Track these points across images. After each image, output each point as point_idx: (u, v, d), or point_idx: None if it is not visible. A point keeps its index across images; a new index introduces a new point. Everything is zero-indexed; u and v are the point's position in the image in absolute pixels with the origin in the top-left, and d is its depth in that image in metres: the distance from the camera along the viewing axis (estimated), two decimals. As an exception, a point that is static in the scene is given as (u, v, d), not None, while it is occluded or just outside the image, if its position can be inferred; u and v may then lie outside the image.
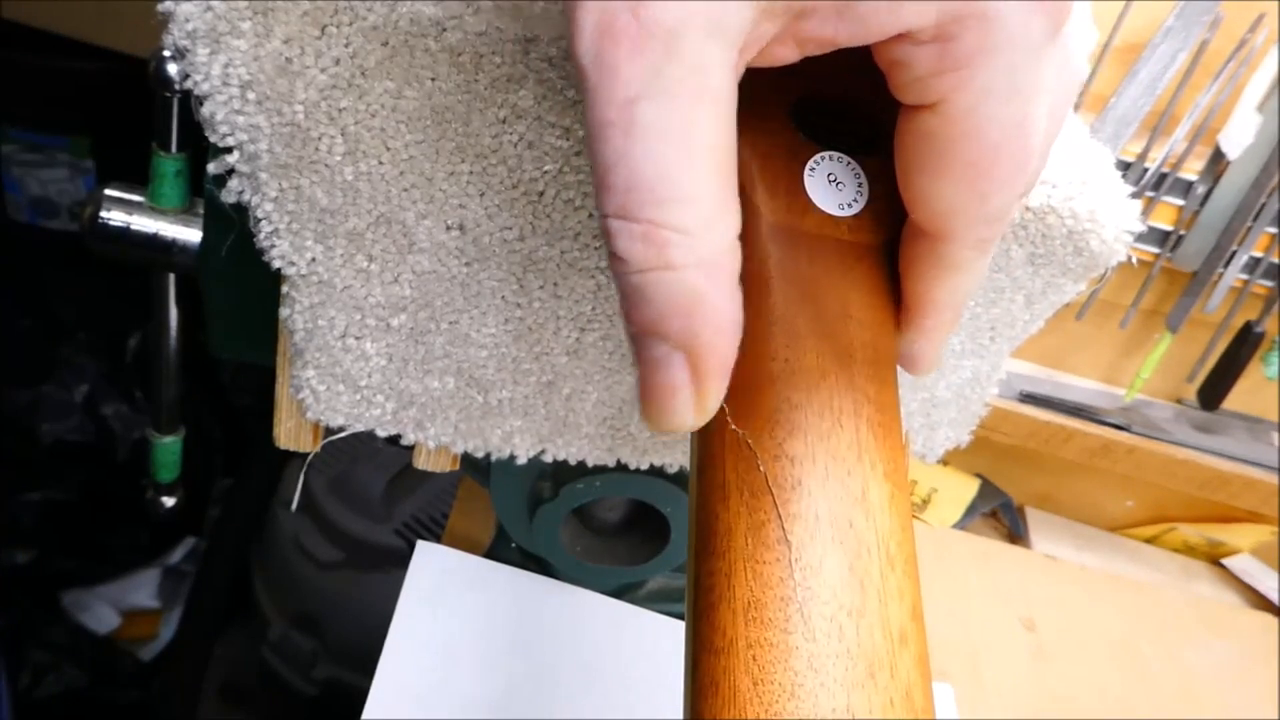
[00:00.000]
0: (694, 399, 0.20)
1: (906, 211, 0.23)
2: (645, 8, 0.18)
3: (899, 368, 0.25)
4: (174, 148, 0.32)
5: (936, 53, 0.19)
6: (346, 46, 0.25)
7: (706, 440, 0.22)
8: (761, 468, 0.21)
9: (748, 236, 0.21)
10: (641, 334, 0.20)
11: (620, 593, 0.52)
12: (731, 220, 0.20)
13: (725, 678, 0.19)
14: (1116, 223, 0.29)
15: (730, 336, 0.20)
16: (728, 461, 0.21)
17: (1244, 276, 0.69)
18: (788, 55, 0.20)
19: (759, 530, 0.20)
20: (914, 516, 0.74)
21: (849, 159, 0.24)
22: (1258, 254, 0.69)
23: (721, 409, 0.21)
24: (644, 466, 0.36)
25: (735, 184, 0.20)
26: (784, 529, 0.20)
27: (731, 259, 0.20)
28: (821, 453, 0.21)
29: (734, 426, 0.21)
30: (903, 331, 0.24)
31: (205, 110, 0.26)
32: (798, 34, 0.20)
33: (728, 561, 0.20)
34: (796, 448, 0.21)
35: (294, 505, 0.91)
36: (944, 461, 0.36)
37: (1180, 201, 0.68)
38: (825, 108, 0.24)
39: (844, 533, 0.20)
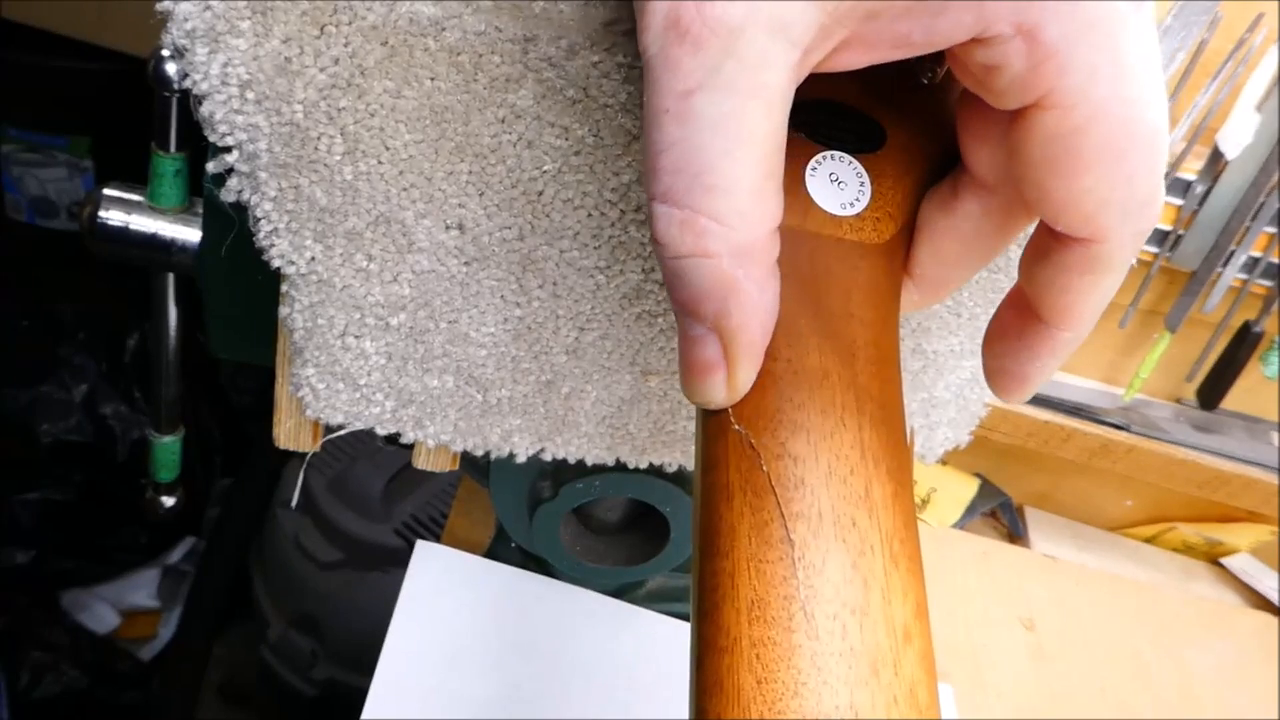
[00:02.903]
0: (725, 378, 0.21)
1: (1032, 213, 0.21)
2: (710, 6, 0.19)
3: (992, 389, 0.25)
4: (173, 147, 0.32)
5: (1025, 46, 0.19)
6: (345, 46, 0.25)
7: (710, 440, 0.22)
8: (764, 467, 0.21)
9: None
10: (681, 312, 0.21)
11: (620, 593, 0.52)
12: (771, 211, 0.20)
13: (729, 676, 0.19)
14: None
15: (761, 322, 0.21)
16: (731, 461, 0.21)
17: (1243, 276, 0.69)
18: (857, 60, 0.21)
19: (762, 529, 0.20)
20: (913, 516, 0.74)
21: (850, 158, 0.24)
22: (1256, 253, 0.69)
23: (725, 409, 0.22)
24: (643, 465, 0.36)
25: (779, 178, 0.20)
26: (787, 528, 0.20)
27: (767, 249, 0.21)
28: (824, 452, 0.21)
29: (737, 426, 0.21)
30: (1027, 351, 0.23)
31: (204, 109, 0.26)
32: (866, 37, 0.20)
33: (731, 561, 0.20)
34: (799, 447, 0.21)
35: (294, 505, 0.91)
36: (943, 461, 0.36)
37: (1179, 201, 0.68)
38: (825, 107, 0.24)
39: (847, 531, 0.20)
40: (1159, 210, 0.21)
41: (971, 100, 0.23)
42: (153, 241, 0.33)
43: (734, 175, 0.19)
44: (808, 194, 0.23)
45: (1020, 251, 0.30)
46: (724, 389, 0.21)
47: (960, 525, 0.77)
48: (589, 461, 0.35)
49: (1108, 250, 0.21)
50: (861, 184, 0.23)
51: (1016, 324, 0.24)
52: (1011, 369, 0.24)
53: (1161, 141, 0.20)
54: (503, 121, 0.26)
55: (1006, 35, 0.19)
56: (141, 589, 1.14)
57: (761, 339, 0.21)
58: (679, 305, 0.21)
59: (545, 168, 0.27)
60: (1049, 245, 0.22)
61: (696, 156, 0.19)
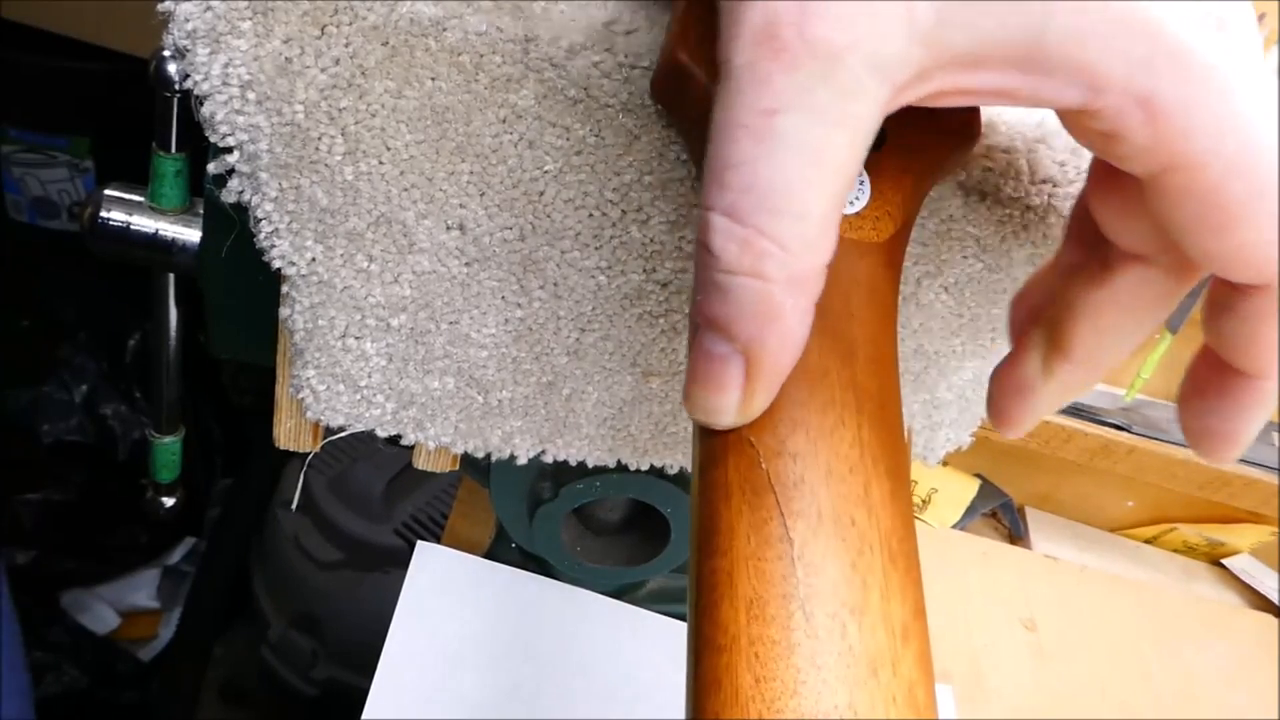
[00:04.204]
0: (740, 401, 0.21)
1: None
2: (812, 26, 0.18)
3: (1199, 452, 0.24)
4: (174, 148, 0.32)
5: (1143, 114, 0.18)
6: (346, 46, 0.25)
7: (708, 438, 0.22)
8: (763, 465, 0.21)
9: None
10: (708, 326, 0.20)
11: (620, 593, 0.52)
12: (830, 246, 0.20)
13: (728, 675, 0.19)
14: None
15: (791, 355, 0.20)
16: (730, 459, 0.21)
17: (1244, 276, 0.69)
18: (953, 102, 0.20)
19: (761, 528, 0.20)
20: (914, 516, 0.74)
21: None
22: (1258, 254, 0.69)
23: None
24: (644, 467, 0.36)
25: (843, 209, 0.20)
26: (786, 526, 0.20)
27: (817, 283, 0.20)
28: (823, 450, 0.21)
29: None
30: (1232, 406, 0.23)
31: (205, 110, 0.26)
32: (966, 86, 0.19)
33: (730, 559, 0.20)
34: (798, 445, 0.21)
35: (294, 505, 0.91)
36: (944, 462, 0.36)
37: (1180, 201, 0.68)
38: None
39: (846, 530, 0.20)
40: None
41: (1100, 177, 0.22)
42: (153, 242, 0.33)
43: (808, 203, 0.19)
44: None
45: (1022, 251, 0.30)
46: (734, 413, 0.21)
47: (961, 526, 0.77)
48: (590, 463, 0.35)
49: None
50: (861, 183, 0.23)
51: (1215, 381, 0.23)
52: (1217, 427, 0.24)
53: None
54: (504, 121, 0.26)
55: (1120, 105, 0.19)
56: (141, 589, 1.14)
57: (786, 372, 0.21)
58: (709, 319, 0.20)
59: (546, 168, 0.27)
60: (1228, 297, 0.21)
61: (771, 178, 0.19)
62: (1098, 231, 0.23)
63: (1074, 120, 0.20)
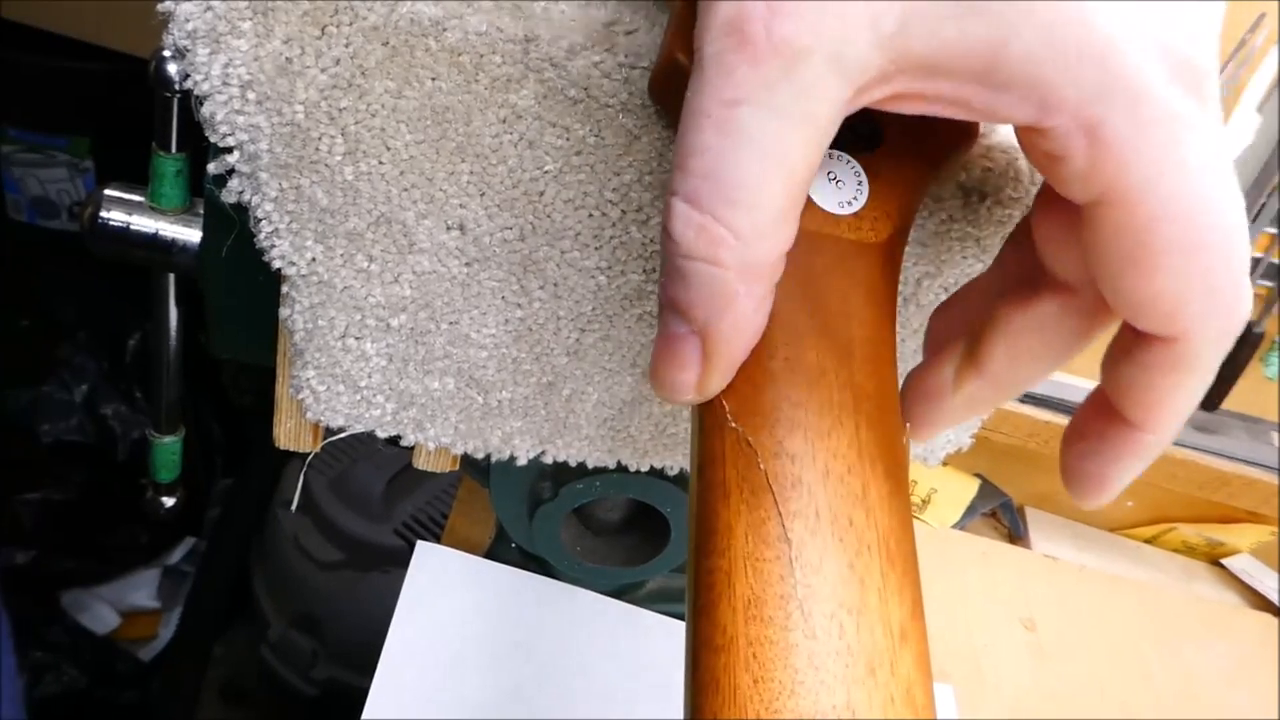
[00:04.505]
0: (697, 380, 0.21)
1: (1110, 304, 0.21)
2: (779, 24, 0.18)
3: (1070, 491, 0.24)
4: (174, 148, 0.32)
5: (1086, 140, 0.19)
6: (347, 46, 0.25)
7: (706, 438, 0.22)
8: (761, 465, 0.21)
9: None
10: (670, 307, 0.21)
11: (620, 593, 0.52)
12: (786, 236, 0.20)
13: (726, 675, 0.19)
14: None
15: (747, 339, 0.21)
16: (728, 459, 0.21)
17: (1244, 277, 0.69)
18: (911, 108, 0.20)
19: (759, 528, 0.20)
20: (913, 516, 0.74)
21: (848, 157, 0.24)
22: (1258, 254, 0.69)
23: (721, 406, 0.22)
24: (644, 468, 0.36)
25: (802, 204, 0.20)
26: (784, 527, 0.20)
27: (773, 271, 0.21)
28: (821, 450, 0.21)
29: (734, 424, 0.21)
30: (1110, 453, 0.23)
31: (205, 110, 0.26)
32: (923, 91, 0.20)
33: (728, 559, 0.20)
34: (796, 445, 0.21)
35: (294, 505, 0.91)
36: (944, 462, 0.36)
37: (1180, 201, 0.68)
38: None
39: (844, 530, 0.20)
40: (1245, 310, 0.20)
41: (1045, 201, 0.22)
42: (153, 242, 0.33)
43: (762, 195, 0.19)
44: (806, 192, 0.23)
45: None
46: (692, 391, 0.22)
47: (960, 525, 0.77)
48: (590, 464, 0.35)
49: (1191, 349, 0.20)
50: (859, 183, 0.23)
51: (1098, 425, 0.23)
52: (1092, 471, 0.24)
53: (1237, 239, 0.20)
54: (504, 121, 0.26)
55: (1067, 128, 0.19)
56: (141, 589, 1.14)
57: (742, 354, 0.21)
58: (670, 300, 0.21)
59: (546, 168, 0.27)
60: (1131, 344, 0.21)
61: (729, 168, 0.19)
62: (1033, 255, 0.23)
63: (1024, 136, 0.20)
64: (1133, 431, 0.22)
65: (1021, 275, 0.24)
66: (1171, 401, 0.21)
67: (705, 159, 0.19)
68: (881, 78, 0.19)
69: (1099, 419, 0.23)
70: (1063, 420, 0.71)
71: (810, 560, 0.20)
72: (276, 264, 0.29)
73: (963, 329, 0.25)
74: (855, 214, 0.23)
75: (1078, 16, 0.18)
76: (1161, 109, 0.18)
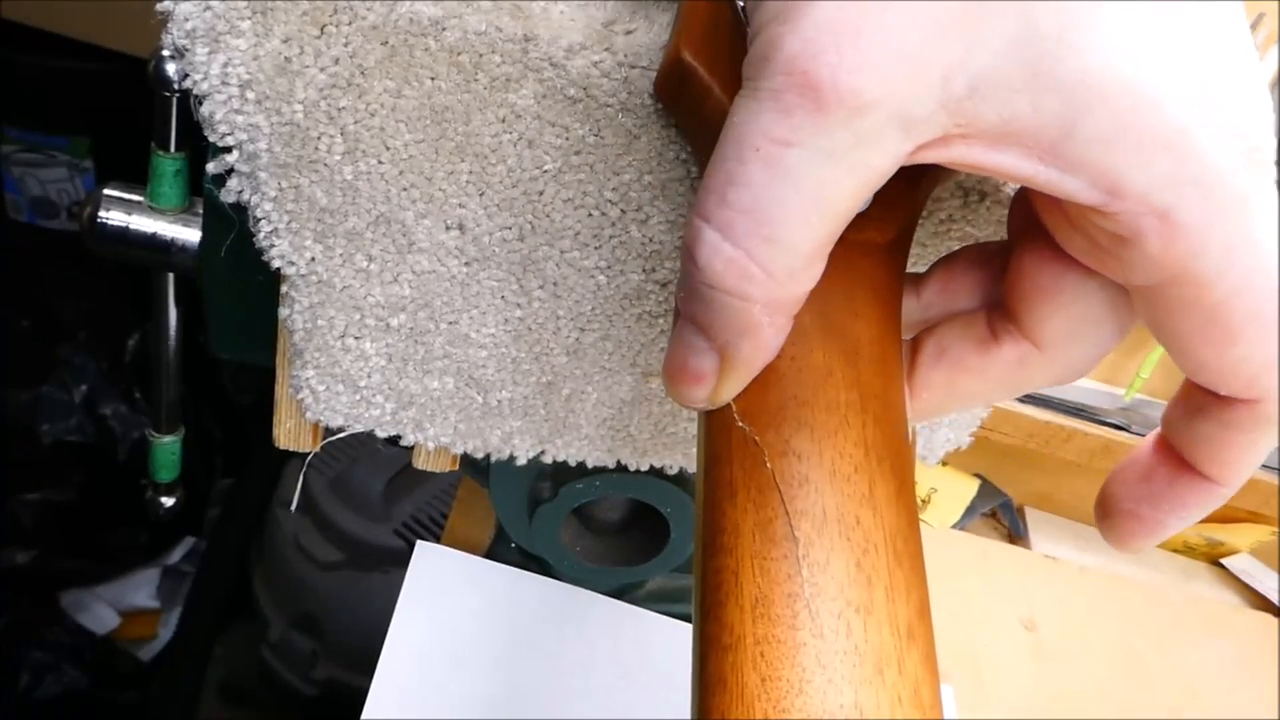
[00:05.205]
0: (712, 390, 0.22)
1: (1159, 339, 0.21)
2: (849, 74, 0.18)
3: (1109, 533, 0.24)
4: (173, 147, 0.32)
5: (1158, 224, 0.18)
6: (346, 46, 0.25)
7: (713, 437, 0.22)
8: (768, 464, 0.21)
9: None
10: (689, 322, 0.21)
11: (620, 593, 0.52)
12: (816, 274, 0.20)
13: (733, 674, 0.19)
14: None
15: (765, 359, 0.21)
16: (734, 459, 0.21)
17: (1244, 276, 0.69)
18: (970, 172, 0.20)
19: (766, 527, 0.20)
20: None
21: None
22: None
23: (728, 406, 0.22)
24: (644, 468, 0.36)
25: (833, 244, 0.20)
26: (791, 525, 0.20)
27: (797, 306, 0.21)
28: (828, 449, 0.21)
29: (741, 424, 0.21)
30: (1174, 501, 0.23)
31: (204, 110, 0.26)
32: (985, 164, 0.19)
33: (735, 558, 0.20)
34: (803, 444, 0.21)
35: (294, 505, 0.91)
36: (943, 462, 0.36)
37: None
38: None
39: (851, 529, 0.20)
40: None
41: (1038, 257, 0.22)
42: (153, 242, 0.33)
43: (801, 238, 0.19)
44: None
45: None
46: (706, 399, 0.22)
47: (960, 525, 0.77)
48: (590, 464, 0.35)
49: (1273, 409, 0.20)
50: None
51: (1165, 473, 0.23)
52: (1148, 516, 0.23)
53: None
54: (503, 121, 0.26)
55: (1137, 214, 0.18)
56: (141, 589, 1.14)
57: (759, 369, 0.21)
58: (690, 317, 0.21)
59: (546, 167, 0.27)
60: (1207, 403, 0.21)
61: (771, 207, 0.19)
62: (996, 292, 0.23)
63: (1080, 214, 0.20)
64: (1204, 483, 0.22)
65: (979, 314, 0.24)
66: (1250, 457, 0.22)
67: (747, 194, 0.19)
68: (944, 140, 0.19)
69: (1165, 467, 0.23)
70: (1063, 420, 0.71)
71: (817, 559, 0.20)
72: (276, 263, 0.29)
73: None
74: (861, 214, 0.23)
75: (1151, 100, 0.18)
76: (1232, 192, 0.18)
